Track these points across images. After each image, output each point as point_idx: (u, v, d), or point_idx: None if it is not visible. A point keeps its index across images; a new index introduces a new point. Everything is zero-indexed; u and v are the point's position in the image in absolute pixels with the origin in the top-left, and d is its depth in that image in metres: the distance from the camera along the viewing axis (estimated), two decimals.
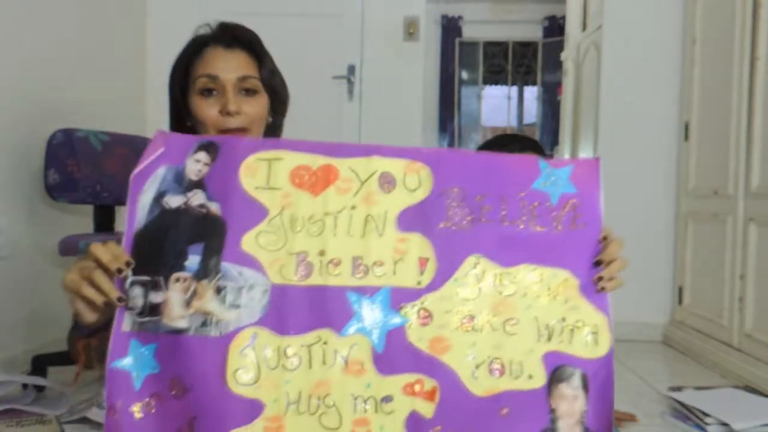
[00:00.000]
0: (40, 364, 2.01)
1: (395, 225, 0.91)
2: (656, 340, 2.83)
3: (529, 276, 0.91)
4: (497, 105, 7.04)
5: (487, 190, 0.93)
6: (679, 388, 1.86)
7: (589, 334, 0.89)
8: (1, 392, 1.65)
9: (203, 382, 0.84)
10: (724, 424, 1.60)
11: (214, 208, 0.90)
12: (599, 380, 0.88)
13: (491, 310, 0.89)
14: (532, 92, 6.93)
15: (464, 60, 6.82)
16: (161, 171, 0.91)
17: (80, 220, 2.35)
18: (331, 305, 0.87)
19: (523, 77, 6.92)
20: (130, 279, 0.85)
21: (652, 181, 2.87)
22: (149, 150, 0.92)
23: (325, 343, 0.86)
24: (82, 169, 2.11)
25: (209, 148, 0.93)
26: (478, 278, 0.90)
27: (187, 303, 0.85)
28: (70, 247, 1.98)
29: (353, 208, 0.91)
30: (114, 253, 0.84)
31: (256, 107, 1.29)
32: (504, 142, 1.46)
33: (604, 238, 0.92)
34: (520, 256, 0.92)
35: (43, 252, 2.21)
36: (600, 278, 0.91)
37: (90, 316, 0.85)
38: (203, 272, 0.86)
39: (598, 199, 0.94)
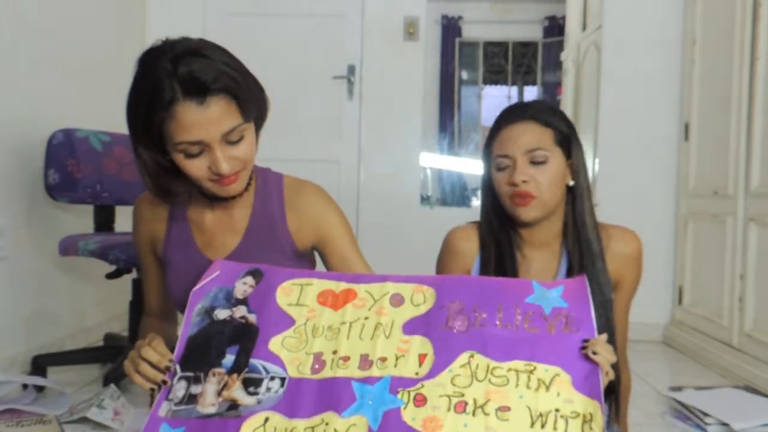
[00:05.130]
0: (40, 364, 2.01)
1: (401, 330, 1.04)
2: (656, 340, 2.83)
3: (522, 370, 0.96)
4: (497, 105, 7.02)
5: (484, 303, 1.04)
6: (679, 388, 1.86)
7: (584, 423, 0.91)
8: (1, 392, 1.65)
9: None
10: (724, 424, 1.60)
11: (252, 318, 1.08)
12: None
13: (484, 397, 0.94)
14: (532, 92, 6.92)
15: (464, 60, 6.81)
16: (215, 290, 1.11)
17: (80, 220, 2.35)
18: (336, 392, 0.97)
19: (523, 77, 6.90)
20: (179, 374, 1.03)
21: (652, 181, 2.87)
22: (208, 272, 1.13)
23: (326, 424, 0.94)
24: (82, 169, 2.11)
25: (255, 273, 1.13)
26: (472, 369, 0.97)
27: (219, 393, 1.00)
28: (70, 247, 1.98)
29: (366, 318, 1.06)
30: (161, 353, 1.04)
31: (247, 147, 1.13)
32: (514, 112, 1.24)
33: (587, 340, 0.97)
34: (512, 352, 0.98)
35: (43, 252, 2.21)
36: (586, 346, 0.96)
37: (146, 387, 1.06)
38: (235, 368, 1.02)
39: (590, 311, 1.01)
